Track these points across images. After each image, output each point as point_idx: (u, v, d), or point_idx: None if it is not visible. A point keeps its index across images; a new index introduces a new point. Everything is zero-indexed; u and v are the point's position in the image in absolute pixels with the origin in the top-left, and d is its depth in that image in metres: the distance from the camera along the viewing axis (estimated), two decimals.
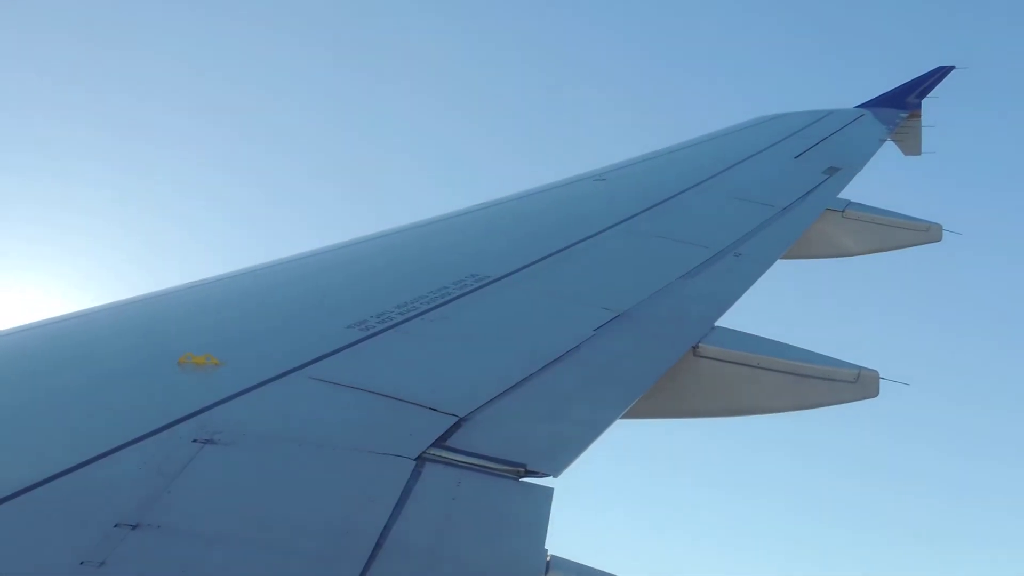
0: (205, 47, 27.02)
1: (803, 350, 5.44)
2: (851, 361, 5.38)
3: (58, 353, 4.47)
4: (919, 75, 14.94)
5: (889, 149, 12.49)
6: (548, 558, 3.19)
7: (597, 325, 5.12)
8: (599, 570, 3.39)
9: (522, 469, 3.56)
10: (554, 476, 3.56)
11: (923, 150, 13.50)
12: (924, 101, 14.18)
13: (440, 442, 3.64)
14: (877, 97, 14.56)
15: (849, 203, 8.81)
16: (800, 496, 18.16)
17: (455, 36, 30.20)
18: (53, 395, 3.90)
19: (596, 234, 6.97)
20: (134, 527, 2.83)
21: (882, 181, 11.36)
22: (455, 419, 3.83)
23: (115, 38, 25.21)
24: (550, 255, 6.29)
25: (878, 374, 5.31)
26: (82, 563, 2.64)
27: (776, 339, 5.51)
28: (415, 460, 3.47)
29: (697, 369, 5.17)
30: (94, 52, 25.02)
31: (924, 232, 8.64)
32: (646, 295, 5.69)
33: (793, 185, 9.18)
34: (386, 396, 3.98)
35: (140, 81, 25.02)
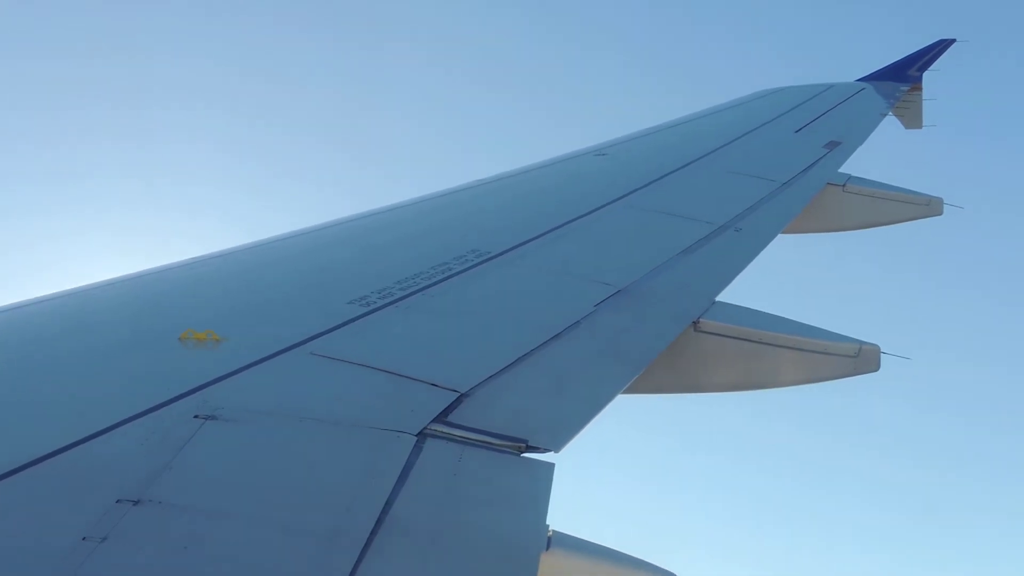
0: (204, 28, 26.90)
1: (804, 325, 5.44)
2: (852, 335, 5.38)
3: (60, 328, 4.46)
4: (920, 48, 14.89)
5: (890, 123, 12.46)
6: (549, 533, 3.20)
7: (598, 300, 5.12)
8: (600, 545, 3.41)
9: (523, 444, 3.56)
10: (555, 451, 3.57)
11: (924, 124, 13.47)
12: (925, 74, 14.14)
13: (441, 418, 3.65)
14: (878, 71, 14.50)
15: (850, 177, 8.79)
16: (801, 470, 18.20)
17: (451, 3, 30.03)
18: (55, 371, 3.90)
19: (596, 209, 6.95)
20: (136, 503, 2.83)
21: (883, 155, 11.34)
22: (456, 395, 3.84)
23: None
24: (551, 230, 6.28)
25: (879, 348, 5.32)
26: (84, 539, 2.65)
27: (777, 314, 5.51)
28: (416, 436, 3.48)
29: (698, 344, 5.17)
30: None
31: (925, 206, 8.63)
32: (647, 270, 5.69)
33: (794, 159, 9.15)
34: (387, 372, 3.98)
35: (141, 70, 24.91)
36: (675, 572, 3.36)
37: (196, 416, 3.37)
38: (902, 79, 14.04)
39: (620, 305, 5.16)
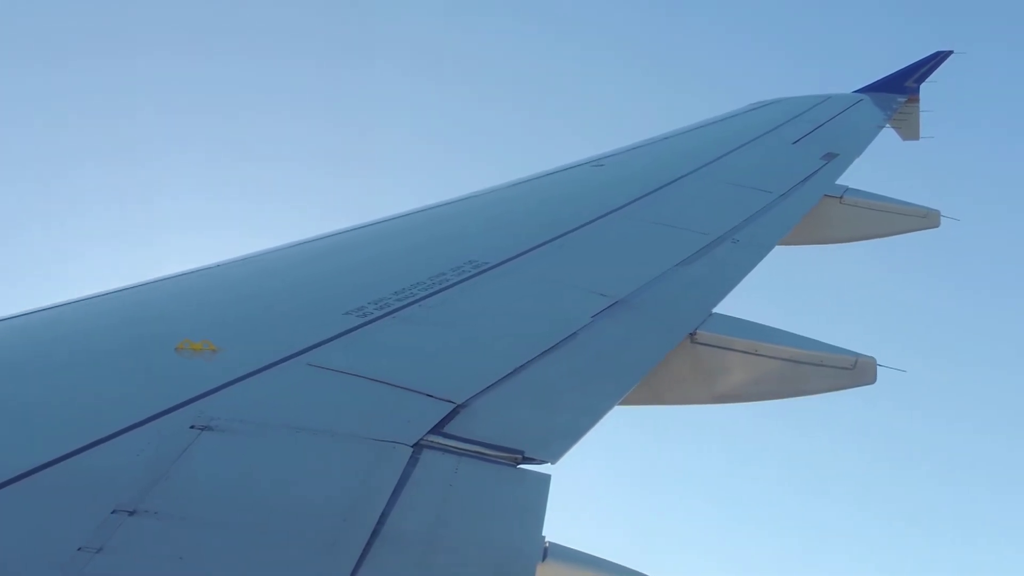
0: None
1: (800, 336, 5.45)
2: (848, 348, 5.39)
3: (58, 339, 4.46)
4: (917, 60, 14.94)
5: (887, 134, 12.49)
6: (545, 544, 3.20)
7: (595, 312, 5.13)
8: (596, 556, 3.41)
9: (519, 456, 3.56)
10: (551, 463, 3.57)
11: (921, 135, 13.51)
12: (923, 86, 14.18)
13: (437, 429, 3.64)
14: (875, 82, 14.55)
15: (847, 189, 8.81)
16: (796, 482, 18.19)
17: (444, 13, 30.05)
18: (52, 381, 3.90)
19: (594, 220, 6.96)
20: (131, 513, 2.83)
21: (880, 166, 11.36)
22: (452, 406, 3.84)
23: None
24: (548, 242, 6.29)
25: (875, 361, 5.32)
26: (80, 549, 2.65)
27: (774, 326, 5.52)
28: (412, 447, 3.48)
29: (695, 356, 5.17)
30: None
31: (922, 218, 8.66)
32: (644, 282, 5.70)
33: (791, 171, 9.17)
34: (383, 383, 3.98)
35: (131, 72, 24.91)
36: None
37: (192, 426, 3.37)
38: (899, 90, 14.09)
39: (617, 316, 5.16)
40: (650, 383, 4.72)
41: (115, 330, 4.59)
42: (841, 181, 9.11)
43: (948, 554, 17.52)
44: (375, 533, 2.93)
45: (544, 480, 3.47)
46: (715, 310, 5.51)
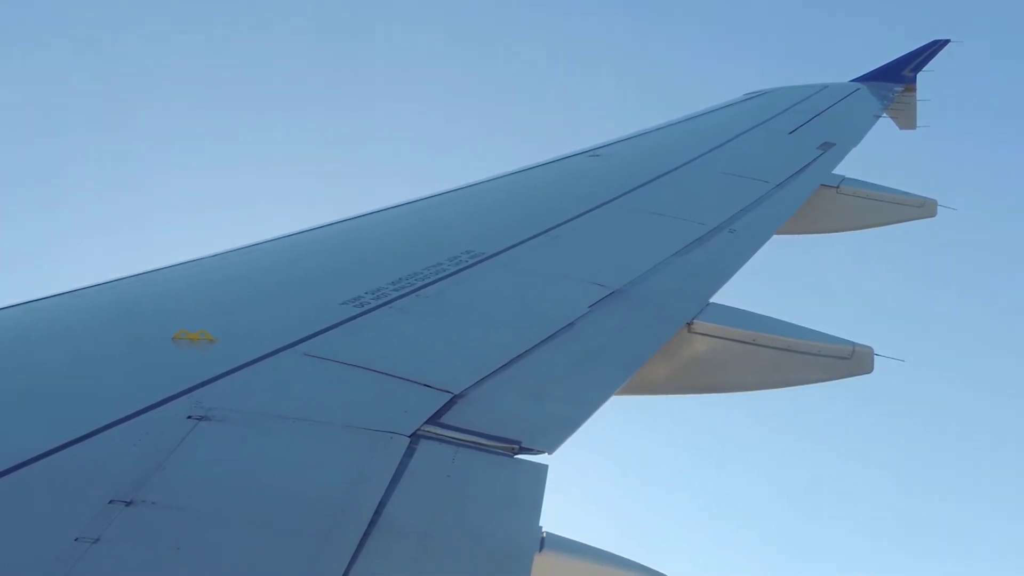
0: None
1: (797, 326, 5.45)
2: (845, 337, 5.39)
3: (55, 329, 4.46)
4: (914, 49, 14.93)
5: (884, 124, 12.49)
6: (543, 535, 3.20)
7: (592, 302, 5.13)
8: (593, 547, 3.41)
9: (517, 446, 3.56)
10: (549, 453, 3.58)
11: (918, 124, 13.50)
12: (919, 75, 14.18)
13: (435, 419, 3.65)
14: (872, 71, 14.54)
15: (844, 178, 8.82)
16: (793, 473, 18.21)
17: (441, 6, 29.98)
18: (49, 371, 3.90)
19: (591, 211, 6.96)
20: (128, 503, 2.83)
21: (877, 156, 11.35)
22: (450, 396, 3.84)
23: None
24: (545, 232, 6.29)
25: (872, 350, 5.33)
26: (76, 539, 2.65)
27: (771, 315, 5.52)
28: (410, 437, 3.48)
29: (691, 345, 5.18)
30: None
31: (919, 207, 8.67)
32: (641, 272, 5.70)
33: (788, 161, 9.17)
34: (381, 373, 3.98)
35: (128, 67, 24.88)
36: (667, 574, 3.36)
37: (189, 416, 3.37)
38: (896, 80, 14.08)
39: (614, 306, 5.16)
40: (647, 373, 4.73)
41: (112, 320, 4.58)
42: (838, 171, 9.12)
43: (944, 546, 17.56)
44: (372, 523, 2.93)
45: (541, 470, 3.47)
46: (712, 300, 5.51)
